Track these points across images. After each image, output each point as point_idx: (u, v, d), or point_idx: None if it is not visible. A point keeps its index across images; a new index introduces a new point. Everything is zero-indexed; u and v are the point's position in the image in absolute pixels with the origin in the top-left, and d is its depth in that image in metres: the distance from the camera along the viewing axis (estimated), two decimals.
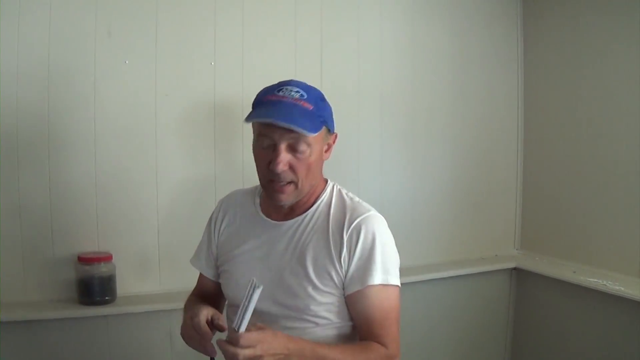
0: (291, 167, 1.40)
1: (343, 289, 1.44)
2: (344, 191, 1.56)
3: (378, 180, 2.75)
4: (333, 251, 1.44)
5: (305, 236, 1.48)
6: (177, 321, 2.20)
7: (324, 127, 1.44)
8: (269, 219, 1.54)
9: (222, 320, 1.41)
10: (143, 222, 2.31)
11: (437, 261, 2.90)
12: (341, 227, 1.45)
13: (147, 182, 2.30)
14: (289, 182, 1.42)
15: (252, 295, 1.25)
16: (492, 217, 3.07)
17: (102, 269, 2.15)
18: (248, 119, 1.39)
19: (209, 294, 1.67)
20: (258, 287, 1.25)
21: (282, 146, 1.38)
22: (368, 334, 1.43)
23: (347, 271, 1.43)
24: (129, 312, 2.20)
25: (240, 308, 1.27)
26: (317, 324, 1.45)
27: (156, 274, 2.32)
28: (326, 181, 1.57)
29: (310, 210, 1.51)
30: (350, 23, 2.66)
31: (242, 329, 1.25)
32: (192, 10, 2.34)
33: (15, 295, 2.11)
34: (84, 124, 2.19)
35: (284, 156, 1.38)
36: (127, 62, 2.23)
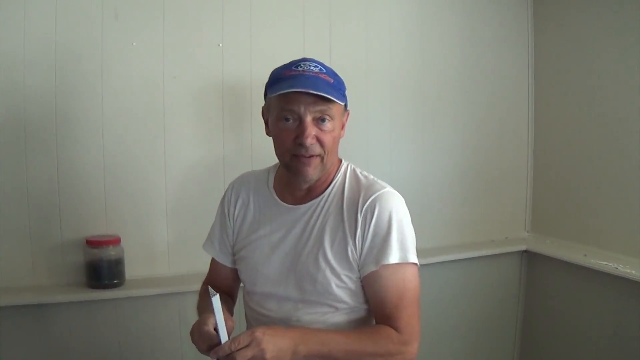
0: (318, 140, 1.39)
1: (358, 270, 1.42)
2: (358, 170, 1.54)
3: (387, 163, 2.73)
4: (348, 231, 1.42)
5: (321, 219, 1.46)
6: (186, 304, 2.25)
7: (343, 102, 1.44)
8: (284, 203, 1.52)
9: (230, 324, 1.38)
10: (151, 205, 2.30)
11: (447, 244, 2.88)
12: (355, 206, 1.43)
13: (155, 165, 2.29)
14: (316, 155, 1.40)
15: (212, 305, 1.24)
16: (502, 199, 3.05)
17: (111, 252, 2.15)
18: (273, 91, 1.38)
19: (223, 279, 1.65)
20: (213, 295, 1.24)
21: (308, 119, 1.37)
22: (382, 317, 1.40)
23: (361, 251, 1.41)
24: (137, 295, 2.20)
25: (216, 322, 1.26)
26: (337, 308, 1.44)
27: (165, 257, 2.32)
28: (340, 161, 1.55)
29: (325, 192, 1.49)
30: (359, 4, 2.62)
31: (223, 339, 1.25)
32: None
33: (23, 279, 2.12)
34: (91, 107, 2.18)
35: (312, 129, 1.37)
36: (134, 44, 2.22)
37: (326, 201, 1.48)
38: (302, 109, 1.36)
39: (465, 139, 2.91)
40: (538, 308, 2.99)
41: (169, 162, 2.30)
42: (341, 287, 1.43)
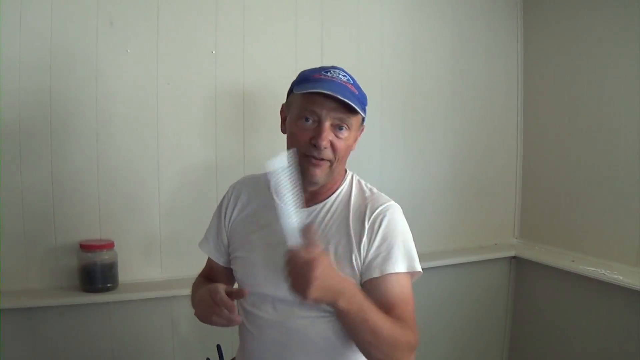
0: (332, 146, 1.42)
1: (360, 275, 1.44)
2: (362, 182, 1.58)
3: (378, 169, 2.76)
4: (353, 239, 1.44)
5: (324, 224, 1.48)
6: (179, 308, 2.26)
7: (363, 115, 1.48)
8: None
9: (234, 288, 1.41)
10: (145, 210, 2.32)
11: (437, 249, 2.91)
12: (362, 216, 1.46)
13: (148, 170, 2.31)
14: (327, 160, 1.43)
15: (286, 170, 1.30)
16: (491, 206, 3.09)
17: (104, 256, 2.16)
18: (301, 89, 1.41)
19: (217, 277, 1.65)
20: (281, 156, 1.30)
21: (327, 123, 1.40)
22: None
23: (365, 257, 1.43)
24: (131, 299, 2.21)
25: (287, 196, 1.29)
26: (332, 313, 1.40)
27: (158, 261, 2.33)
28: (346, 171, 1.59)
29: (330, 198, 1.52)
30: (351, 11, 2.66)
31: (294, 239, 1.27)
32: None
33: (17, 283, 2.13)
34: (86, 112, 2.20)
35: (328, 133, 1.41)
36: (128, 50, 2.24)
37: (330, 207, 1.51)
38: (323, 112, 1.40)
39: (455, 146, 2.95)
40: (526, 313, 3.02)
41: (162, 168, 2.32)
42: None
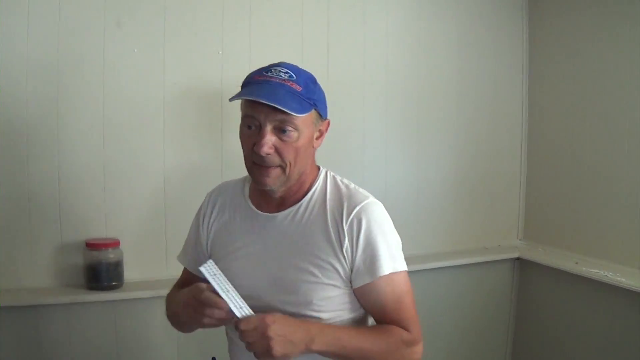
0: (277, 151, 1.34)
1: (350, 281, 1.40)
2: (338, 178, 1.50)
3: (382, 170, 2.77)
4: (335, 242, 1.39)
5: (301, 228, 1.42)
6: None
7: (313, 111, 1.38)
8: (260, 212, 1.48)
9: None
10: (150, 208, 2.33)
11: (440, 250, 2.92)
12: (340, 217, 1.40)
13: (155, 170, 2.32)
14: (276, 166, 1.36)
15: (215, 276, 1.26)
16: (495, 207, 3.09)
17: (110, 254, 2.18)
18: (232, 98, 1.35)
19: None
20: (204, 265, 1.28)
21: (268, 128, 1.33)
22: (385, 322, 1.40)
23: (352, 263, 1.38)
24: (136, 297, 2.23)
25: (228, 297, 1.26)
26: (320, 318, 1.39)
27: (163, 259, 2.34)
28: (318, 169, 1.51)
29: (304, 199, 1.45)
30: (357, 12, 2.66)
31: (231, 305, 1.25)
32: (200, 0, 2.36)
33: (23, 280, 2.15)
34: (92, 112, 2.21)
35: (269, 138, 1.33)
36: (135, 50, 2.25)
37: (306, 208, 1.44)
38: (261, 117, 1.33)
39: (459, 146, 2.95)
40: (530, 314, 3.02)
41: (168, 167, 2.34)
42: (325, 297, 1.39)
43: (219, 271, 1.31)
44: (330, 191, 1.45)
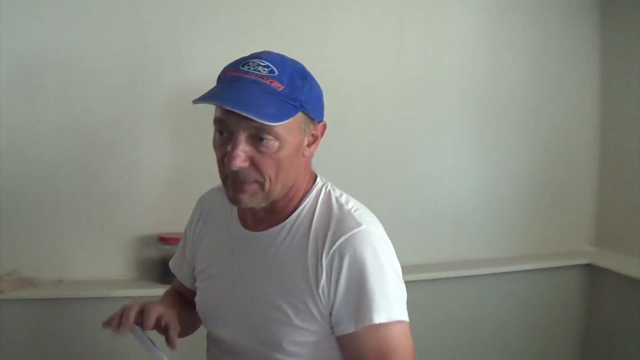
0: (254, 163, 1.08)
1: (331, 327, 1.14)
2: (334, 194, 1.22)
3: (448, 172, 2.75)
4: (311, 278, 1.13)
5: (280, 254, 1.18)
6: None
7: (300, 114, 1.11)
8: (243, 227, 1.25)
9: (176, 335, 1.19)
10: None
11: (508, 255, 2.84)
12: (322, 247, 1.13)
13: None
14: (253, 182, 1.11)
15: (142, 339, 1.18)
16: (566, 211, 3.01)
17: None
18: (196, 100, 1.07)
19: (187, 298, 1.45)
20: (135, 331, 1.18)
21: (241, 137, 1.06)
22: None
23: (332, 306, 1.12)
24: None
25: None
26: (295, 354, 1.17)
27: None
28: (315, 178, 1.25)
29: (290, 218, 1.19)
30: (428, 13, 2.66)
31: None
32: None
33: (95, 273, 2.25)
34: (162, 111, 2.29)
35: (242, 149, 1.07)
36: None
37: (289, 230, 1.19)
38: (233, 123, 1.06)
39: (530, 151, 2.90)
40: (601, 325, 2.91)
41: None
42: (297, 342, 1.16)
43: (147, 335, 1.19)
44: (319, 211, 1.19)
